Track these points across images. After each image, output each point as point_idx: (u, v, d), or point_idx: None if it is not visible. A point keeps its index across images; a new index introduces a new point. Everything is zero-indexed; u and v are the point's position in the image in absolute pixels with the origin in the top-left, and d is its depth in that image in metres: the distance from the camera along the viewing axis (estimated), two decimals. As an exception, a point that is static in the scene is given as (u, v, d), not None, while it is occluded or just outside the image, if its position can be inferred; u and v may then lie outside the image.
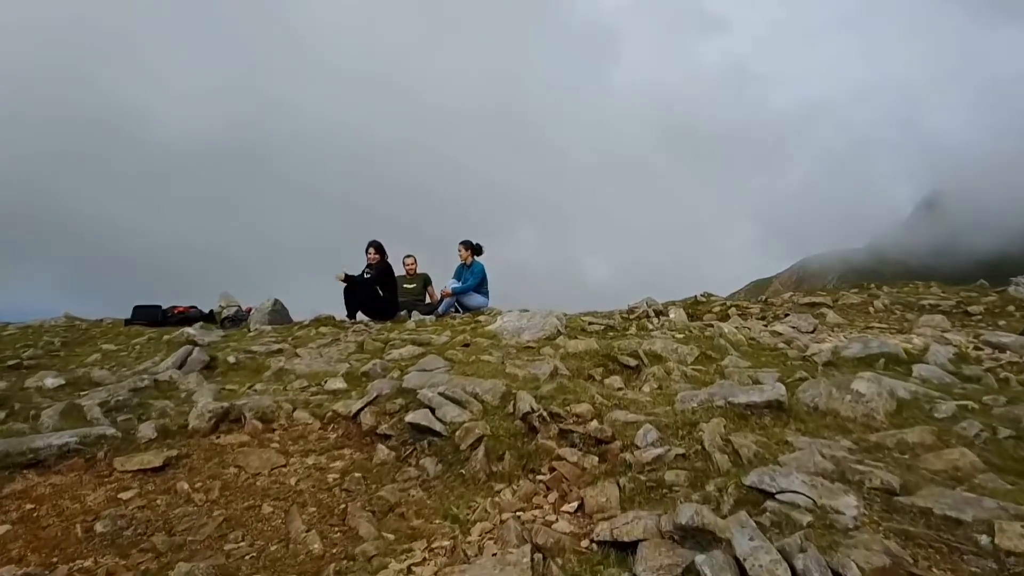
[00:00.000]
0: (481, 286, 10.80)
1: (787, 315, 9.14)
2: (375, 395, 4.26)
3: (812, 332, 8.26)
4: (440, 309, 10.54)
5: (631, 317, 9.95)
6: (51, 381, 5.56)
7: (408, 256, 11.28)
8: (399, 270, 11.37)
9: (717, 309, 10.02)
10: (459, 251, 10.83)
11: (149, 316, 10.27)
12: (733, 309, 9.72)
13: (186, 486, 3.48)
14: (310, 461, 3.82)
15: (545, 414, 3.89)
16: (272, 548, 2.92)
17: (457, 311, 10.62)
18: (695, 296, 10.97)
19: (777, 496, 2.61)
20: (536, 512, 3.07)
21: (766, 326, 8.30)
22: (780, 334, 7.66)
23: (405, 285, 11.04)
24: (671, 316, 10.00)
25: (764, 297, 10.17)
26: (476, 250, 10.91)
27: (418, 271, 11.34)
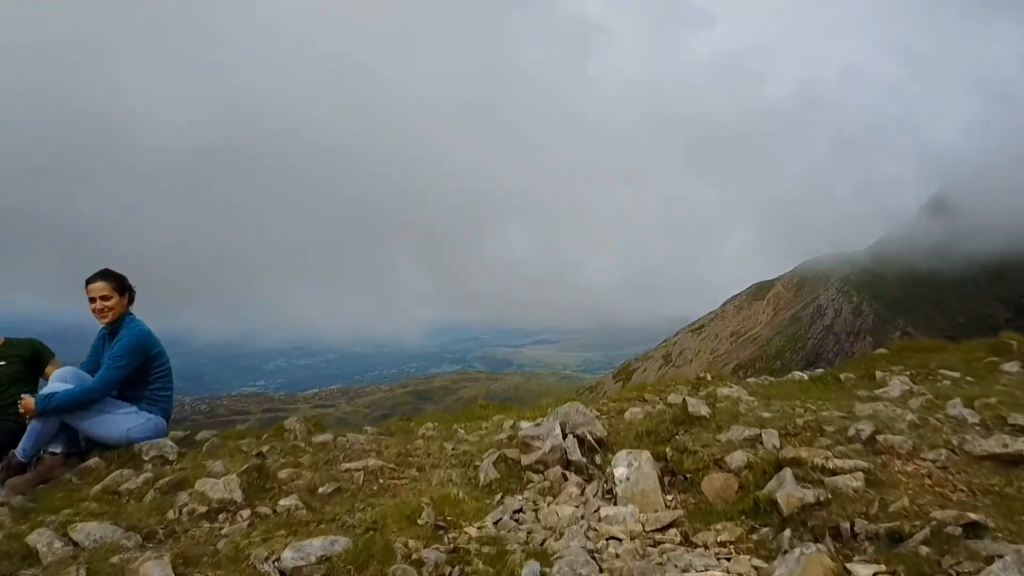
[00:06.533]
0: (137, 386, 4.35)
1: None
2: None
3: None
4: (19, 450, 4.10)
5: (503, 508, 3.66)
6: None
7: None
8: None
9: (739, 462, 3.59)
10: (92, 299, 4.35)
11: None
12: (772, 469, 3.29)
13: None
14: None
15: None
16: None
17: (64, 451, 4.18)
18: (684, 394, 4.55)
19: None
20: None
21: None
22: None
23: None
24: (616, 487, 3.65)
25: (820, 415, 3.84)
26: (130, 295, 4.46)
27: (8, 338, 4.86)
